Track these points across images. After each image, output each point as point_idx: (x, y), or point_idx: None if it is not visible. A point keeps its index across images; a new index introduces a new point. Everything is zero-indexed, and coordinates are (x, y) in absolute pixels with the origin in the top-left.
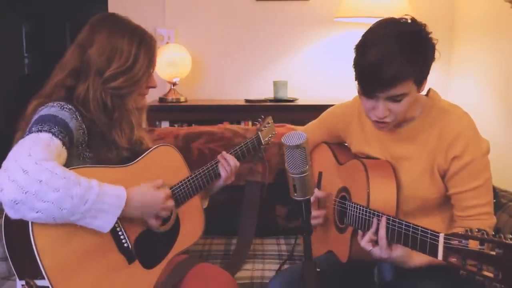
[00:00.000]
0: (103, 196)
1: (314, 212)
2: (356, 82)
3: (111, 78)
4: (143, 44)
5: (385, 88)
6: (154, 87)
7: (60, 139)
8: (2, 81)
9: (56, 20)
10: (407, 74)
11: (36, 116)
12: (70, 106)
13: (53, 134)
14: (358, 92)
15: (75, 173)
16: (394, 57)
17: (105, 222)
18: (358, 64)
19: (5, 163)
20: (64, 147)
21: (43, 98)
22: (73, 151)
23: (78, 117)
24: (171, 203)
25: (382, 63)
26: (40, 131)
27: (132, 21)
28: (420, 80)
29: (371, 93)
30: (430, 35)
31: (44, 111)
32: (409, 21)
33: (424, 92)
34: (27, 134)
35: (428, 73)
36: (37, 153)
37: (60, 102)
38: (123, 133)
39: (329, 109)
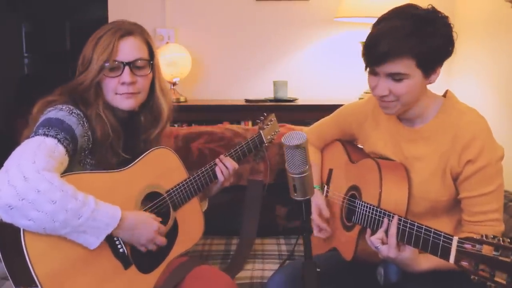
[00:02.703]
0: (98, 213)
1: (318, 222)
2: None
3: (76, 76)
4: (98, 43)
5: (379, 62)
6: (124, 82)
7: (64, 146)
8: (2, 81)
9: (56, 20)
10: (402, 51)
11: (44, 117)
12: (78, 112)
13: (59, 140)
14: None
15: (74, 187)
16: (392, 32)
17: (93, 239)
18: (365, 39)
19: (8, 164)
20: (67, 154)
21: (53, 96)
22: (75, 157)
23: (85, 123)
24: (161, 239)
25: (381, 36)
26: (47, 135)
27: (119, 20)
28: (424, 64)
29: (369, 67)
30: (449, 28)
31: (52, 113)
32: (430, 8)
33: (441, 93)
34: (33, 136)
35: (436, 62)
36: (41, 161)
37: (69, 106)
38: (96, 128)
39: (342, 107)
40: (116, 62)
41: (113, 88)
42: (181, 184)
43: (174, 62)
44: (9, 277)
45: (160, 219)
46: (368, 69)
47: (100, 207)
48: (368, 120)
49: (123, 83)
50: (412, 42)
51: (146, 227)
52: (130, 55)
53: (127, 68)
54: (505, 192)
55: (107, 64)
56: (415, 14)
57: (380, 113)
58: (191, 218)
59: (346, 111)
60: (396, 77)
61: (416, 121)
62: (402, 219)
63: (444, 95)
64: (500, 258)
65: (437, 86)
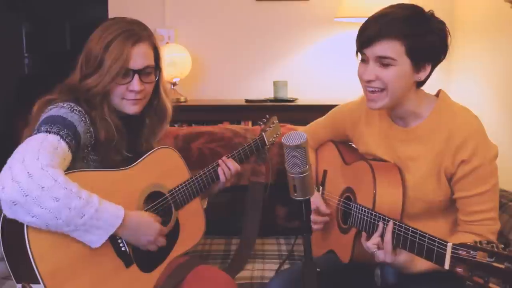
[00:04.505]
0: (101, 212)
1: (314, 217)
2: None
3: (83, 78)
4: (110, 47)
5: (368, 43)
6: (132, 91)
7: (67, 142)
8: (2, 81)
9: (56, 20)
10: (391, 32)
11: (45, 115)
12: (80, 109)
13: (61, 136)
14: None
15: (78, 185)
16: (384, 15)
17: (97, 237)
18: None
19: (11, 161)
20: (69, 150)
21: (53, 95)
22: (78, 153)
23: (87, 120)
24: (162, 240)
25: (374, 19)
26: (49, 132)
27: (125, 20)
28: (414, 54)
29: (359, 50)
30: (444, 32)
31: (54, 111)
32: (429, 12)
33: (434, 93)
34: (35, 133)
35: (426, 57)
36: (44, 157)
37: (70, 104)
38: (101, 131)
39: (336, 108)
40: (127, 70)
41: (121, 94)
42: (183, 184)
43: (174, 62)
44: (11, 273)
45: (160, 220)
46: (359, 58)
47: (104, 207)
48: (362, 120)
49: (131, 91)
50: (403, 27)
51: (148, 229)
52: (140, 63)
53: (136, 76)
54: (505, 192)
55: (119, 72)
56: (416, 8)
57: (373, 113)
58: (193, 218)
59: (340, 112)
60: (384, 62)
61: (409, 121)
62: (397, 223)
63: (437, 95)
64: (494, 264)
65: (437, 86)
